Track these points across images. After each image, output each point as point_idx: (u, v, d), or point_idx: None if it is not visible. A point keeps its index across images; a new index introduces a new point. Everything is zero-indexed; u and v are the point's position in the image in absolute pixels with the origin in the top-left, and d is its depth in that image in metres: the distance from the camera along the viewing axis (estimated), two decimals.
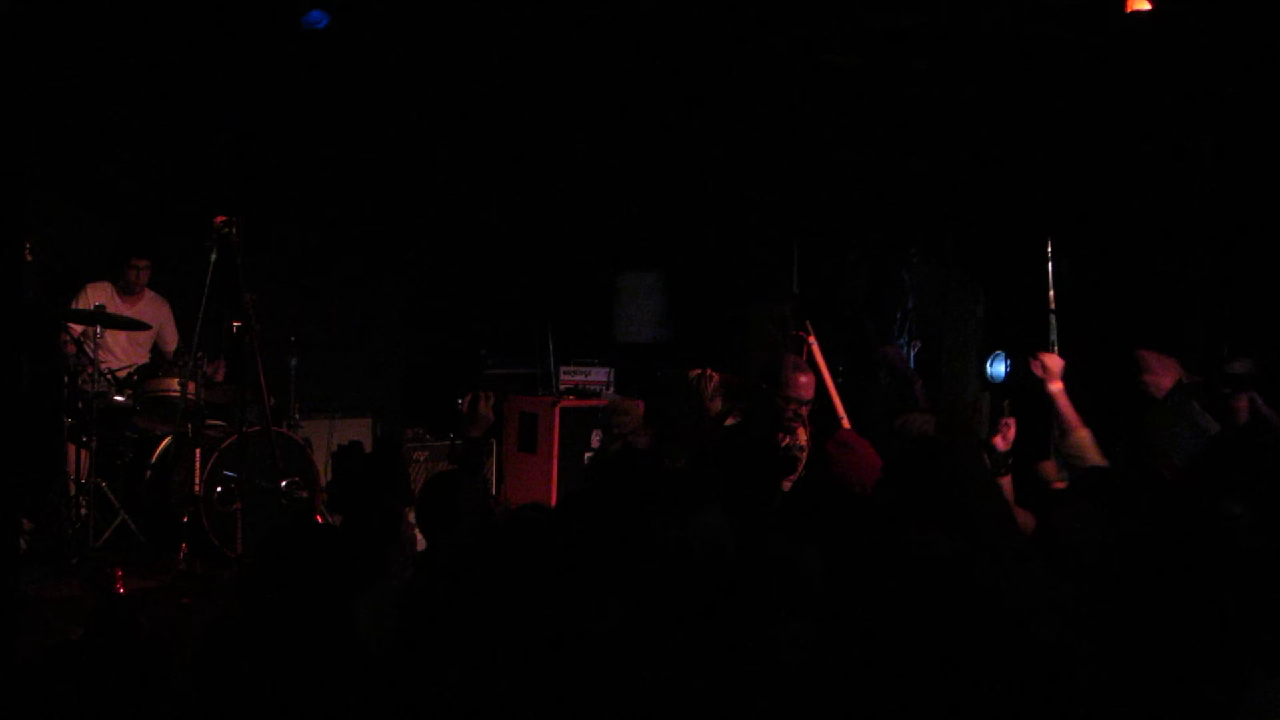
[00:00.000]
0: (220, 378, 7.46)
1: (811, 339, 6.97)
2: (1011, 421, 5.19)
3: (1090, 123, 7.49)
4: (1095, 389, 6.09)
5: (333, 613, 3.07)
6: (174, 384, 7.27)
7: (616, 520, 3.78)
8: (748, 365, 6.80)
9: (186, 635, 3.25)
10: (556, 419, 8.61)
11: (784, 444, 6.03)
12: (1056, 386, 5.31)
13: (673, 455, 5.42)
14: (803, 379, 6.04)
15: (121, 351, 7.61)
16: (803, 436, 5.99)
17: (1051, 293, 7.11)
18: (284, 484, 7.02)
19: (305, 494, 7.14)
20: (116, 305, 7.49)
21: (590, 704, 2.93)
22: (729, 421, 5.94)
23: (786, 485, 5.88)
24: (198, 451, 6.89)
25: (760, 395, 5.56)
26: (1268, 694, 2.86)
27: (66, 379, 7.03)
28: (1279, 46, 6.54)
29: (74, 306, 7.39)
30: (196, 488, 6.82)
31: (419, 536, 6.95)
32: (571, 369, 8.95)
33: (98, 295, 7.47)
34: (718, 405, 5.50)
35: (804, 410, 5.99)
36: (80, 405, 7.01)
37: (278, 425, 7.15)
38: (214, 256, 6.28)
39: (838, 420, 6.86)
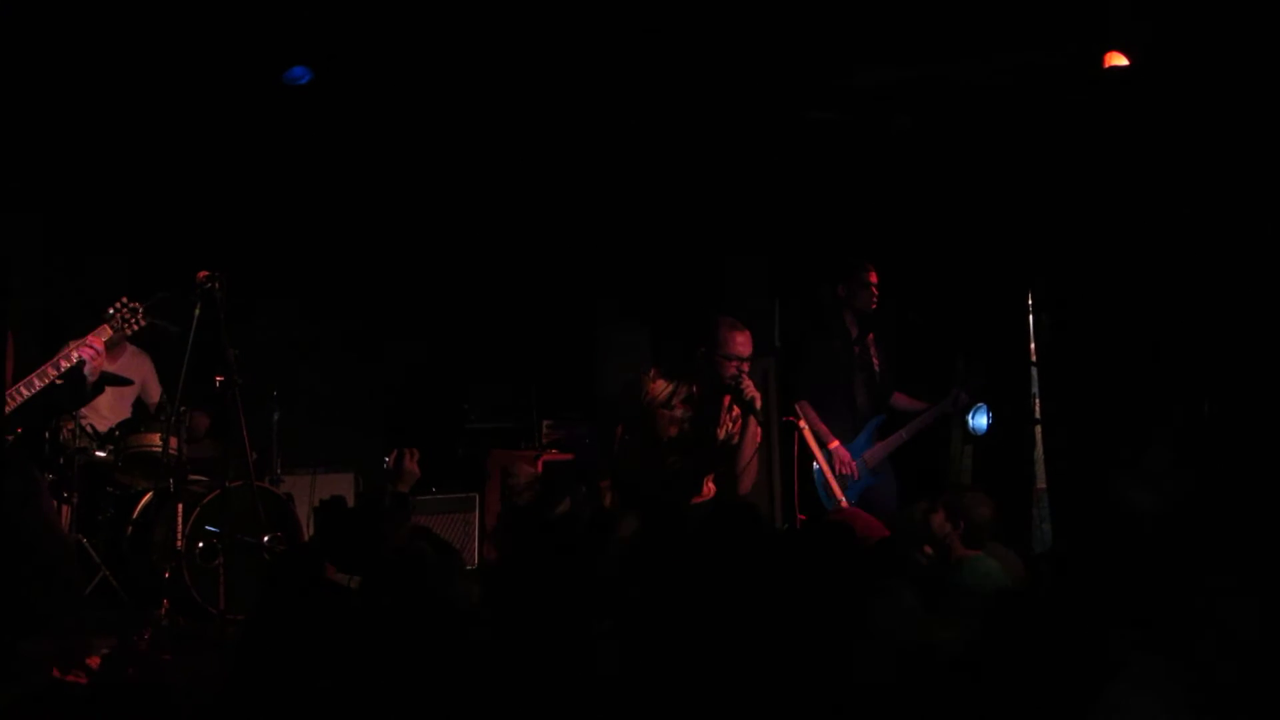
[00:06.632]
0: (203, 429, 7.43)
1: (803, 424, 6.93)
2: None
3: (1072, 176, 7.55)
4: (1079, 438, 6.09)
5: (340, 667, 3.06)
6: (156, 439, 7.24)
7: None
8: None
9: (168, 690, 3.23)
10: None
11: (727, 404, 5.98)
12: None
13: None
14: (739, 336, 5.97)
15: (106, 408, 7.57)
16: (750, 387, 5.90)
17: (1033, 345, 7.13)
18: (266, 539, 6.97)
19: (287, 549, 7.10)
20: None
21: None
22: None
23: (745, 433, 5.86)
24: (180, 507, 6.84)
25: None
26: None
27: (47, 435, 6.99)
28: (1258, 99, 6.61)
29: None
30: (178, 543, 6.77)
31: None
32: (554, 423, 8.93)
33: None
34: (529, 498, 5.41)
35: (745, 367, 5.96)
36: (61, 461, 6.97)
37: (260, 480, 7.12)
38: (197, 311, 6.27)
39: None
